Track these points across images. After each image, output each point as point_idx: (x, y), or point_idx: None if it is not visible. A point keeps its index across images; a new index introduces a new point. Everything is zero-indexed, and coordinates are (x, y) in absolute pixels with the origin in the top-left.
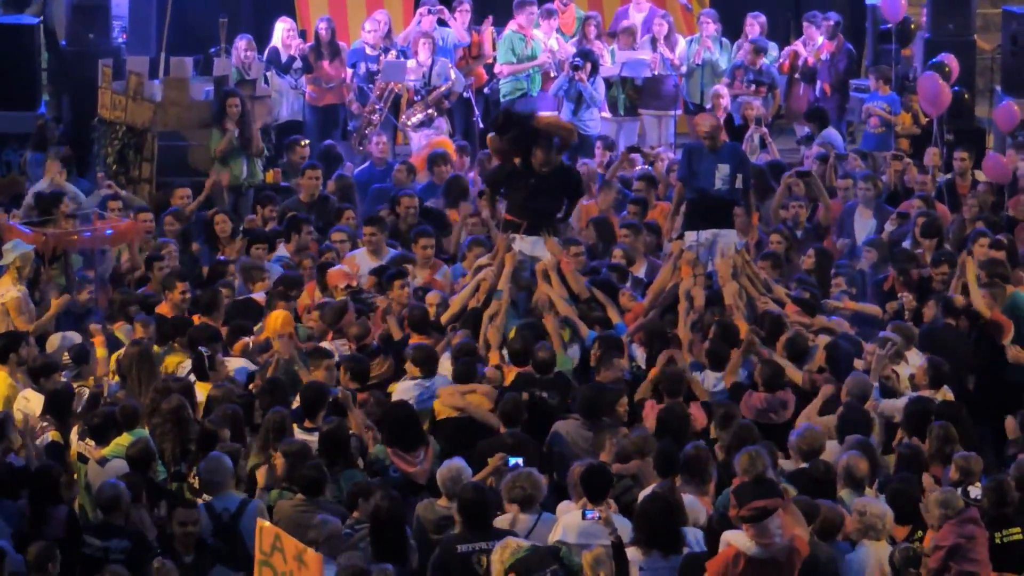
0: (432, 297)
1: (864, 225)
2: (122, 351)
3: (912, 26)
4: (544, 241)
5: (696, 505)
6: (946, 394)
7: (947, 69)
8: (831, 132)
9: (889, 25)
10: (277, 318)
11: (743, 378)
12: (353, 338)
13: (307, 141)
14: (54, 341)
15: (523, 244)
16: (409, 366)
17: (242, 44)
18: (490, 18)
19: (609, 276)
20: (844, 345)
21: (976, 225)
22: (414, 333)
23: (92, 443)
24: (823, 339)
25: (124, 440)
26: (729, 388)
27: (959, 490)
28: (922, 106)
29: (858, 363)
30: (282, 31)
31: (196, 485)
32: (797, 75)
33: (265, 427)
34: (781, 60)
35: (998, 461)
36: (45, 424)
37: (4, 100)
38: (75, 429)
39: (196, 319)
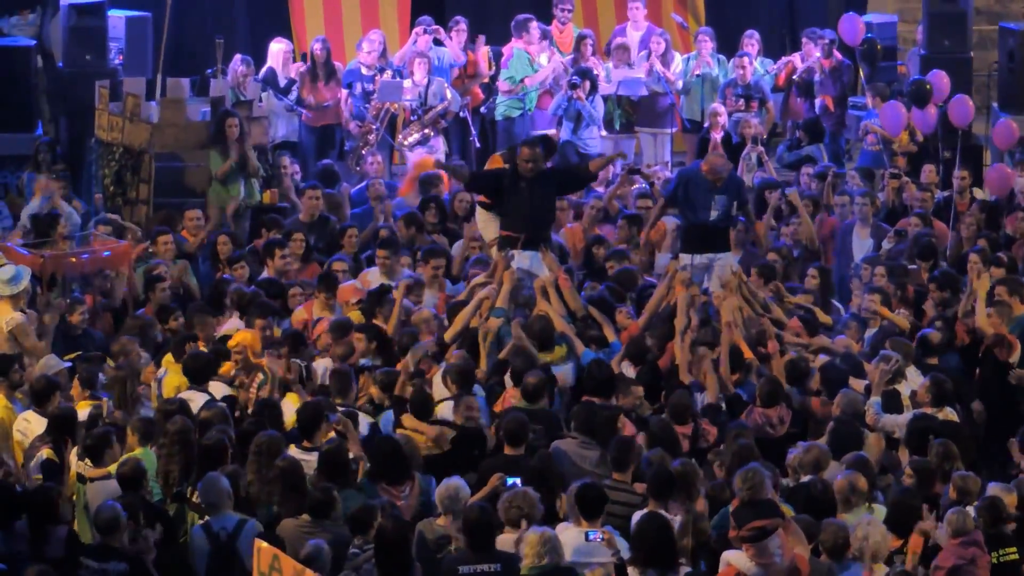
0: (424, 314)
1: (862, 244)
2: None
3: (878, 47)
4: (542, 257)
5: None
6: (948, 414)
7: (928, 87)
8: (815, 147)
9: (865, 38)
10: (247, 335)
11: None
12: (338, 357)
13: (286, 155)
14: (43, 364)
15: (521, 260)
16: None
17: (241, 68)
18: (482, 38)
19: (605, 294)
20: (839, 365)
21: (976, 243)
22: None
23: (90, 463)
24: (820, 360)
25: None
26: (727, 402)
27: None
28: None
29: (856, 383)
30: (280, 52)
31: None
32: (793, 88)
33: (257, 450)
34: (778, 69)
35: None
36: (39, 444)
37: (0, 122)
38: (74, 450)
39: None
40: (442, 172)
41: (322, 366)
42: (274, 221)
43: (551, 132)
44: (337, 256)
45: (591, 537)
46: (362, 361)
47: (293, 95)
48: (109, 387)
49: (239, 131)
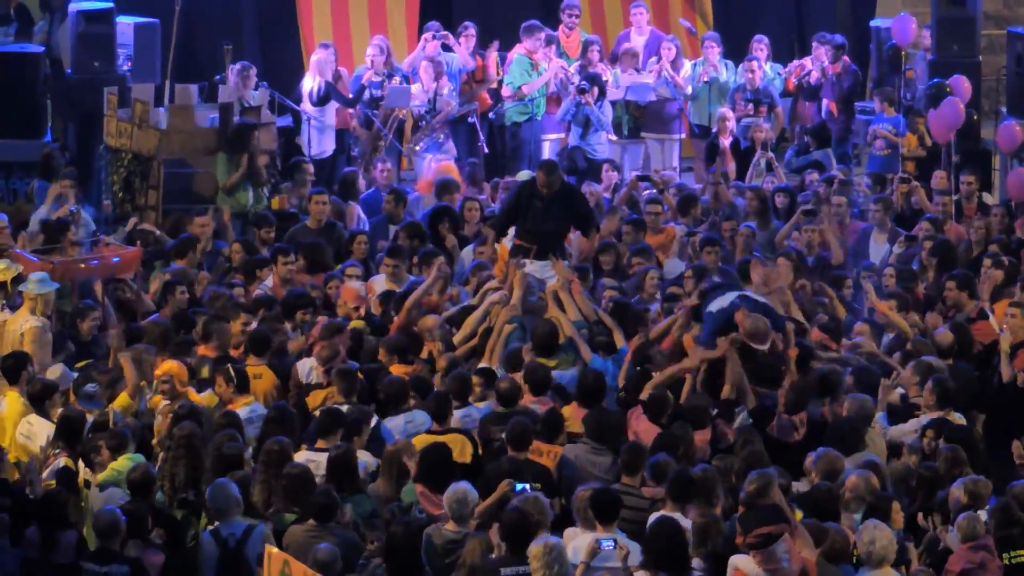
0: (429, 321)
1: (879, 250)
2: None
3: (903, 52)
4: (553, 264)
5: None
6: (955, 418)
7: (948, 89)
8: (823, 153)
9: (892, 44)
10: (174, 365)
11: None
12: (321, 360)
13: (309, 162)
14: (55, 371)
15: (532, 268)
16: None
17: (236, 80)
18: (496, 43)
19: (624, 299)
20: (873, 369)
21: (988, 248)
22: (396, 361)
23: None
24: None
25: (119, 465)
26: (751, 411)
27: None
28: (935, 132)
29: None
30: (328, 63)
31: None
32: (801, 93)
33: (267, 458)
34: (787, 73)
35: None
36: (56, 451)
37: (9, 128)
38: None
39: (201, 350)
40: (456, 177)
41: (307, 366)
42: (263, 218)
43: (560, 136)
44: (350, 263)
45: (603, 545)
46: (350, 363)
47: (366, 97)
48: (101, 395)
49: (258, 142)
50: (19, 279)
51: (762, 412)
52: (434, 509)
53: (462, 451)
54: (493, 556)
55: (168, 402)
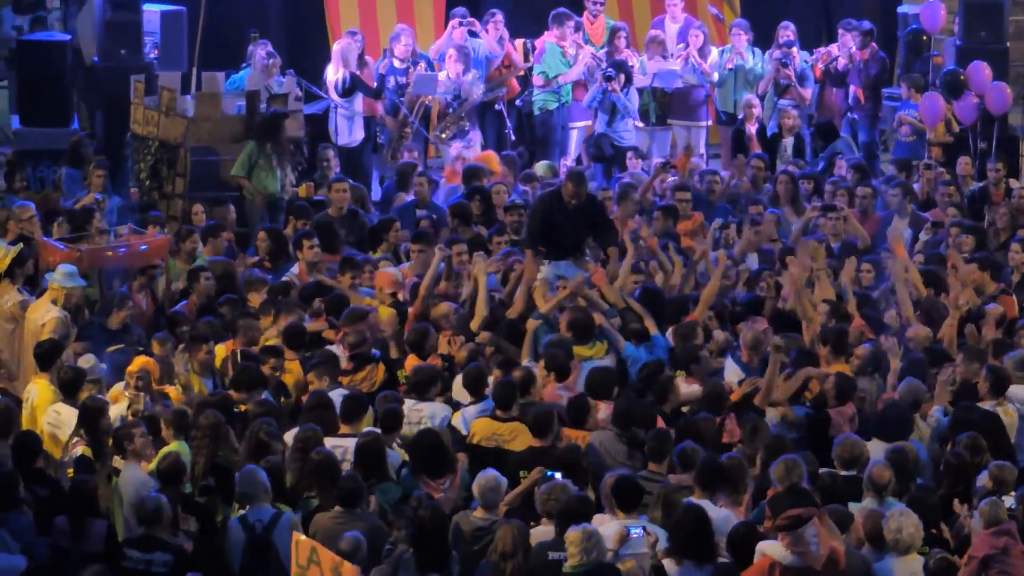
0: (443, 308)
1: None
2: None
3: (924, 37)
4: (573, 260)
5: (731, 519)
6: (1008, 409)
7: (961, 78)
8: (841, 141)
9: (912, 28)
10: (149, 361)
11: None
12: (348, 345)
13: (330, 150)
14: (88, 360)
15: (552, 267)
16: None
17: (263, 62)
18: (506, 32)
19: (653, 285)
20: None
21: (1015, 232)
22: (412, 354)
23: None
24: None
25: (176, 448)
26: (808, 424)
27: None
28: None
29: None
30: (352, 53)
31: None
32: (828, 80)
33: (300, 445)
34: (814, 60)
35: None
36: (76, 439)
37: (36, 117)
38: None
39: (231, 344)
40: (494, 167)
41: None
42: (302, 209)
43: (587, 123)
44: (384, 256)
45: (632, 533)
46: (374, 351)
47: (392, 85)
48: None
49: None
50: (21, 259)
51: (816, 423)
52: (434, 492)
53: (522, 440)
54: (543, 540)
55: (137, 404)
